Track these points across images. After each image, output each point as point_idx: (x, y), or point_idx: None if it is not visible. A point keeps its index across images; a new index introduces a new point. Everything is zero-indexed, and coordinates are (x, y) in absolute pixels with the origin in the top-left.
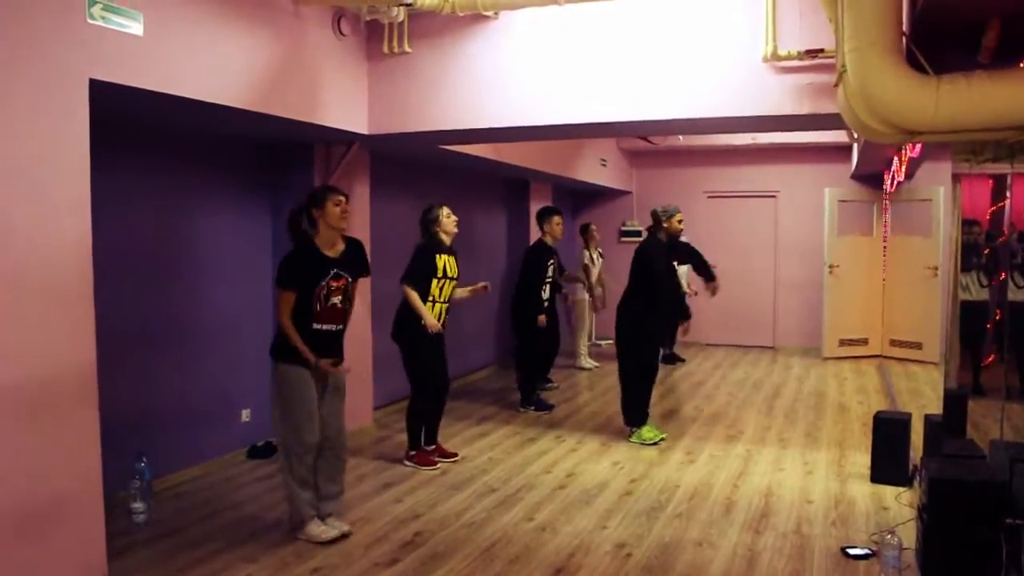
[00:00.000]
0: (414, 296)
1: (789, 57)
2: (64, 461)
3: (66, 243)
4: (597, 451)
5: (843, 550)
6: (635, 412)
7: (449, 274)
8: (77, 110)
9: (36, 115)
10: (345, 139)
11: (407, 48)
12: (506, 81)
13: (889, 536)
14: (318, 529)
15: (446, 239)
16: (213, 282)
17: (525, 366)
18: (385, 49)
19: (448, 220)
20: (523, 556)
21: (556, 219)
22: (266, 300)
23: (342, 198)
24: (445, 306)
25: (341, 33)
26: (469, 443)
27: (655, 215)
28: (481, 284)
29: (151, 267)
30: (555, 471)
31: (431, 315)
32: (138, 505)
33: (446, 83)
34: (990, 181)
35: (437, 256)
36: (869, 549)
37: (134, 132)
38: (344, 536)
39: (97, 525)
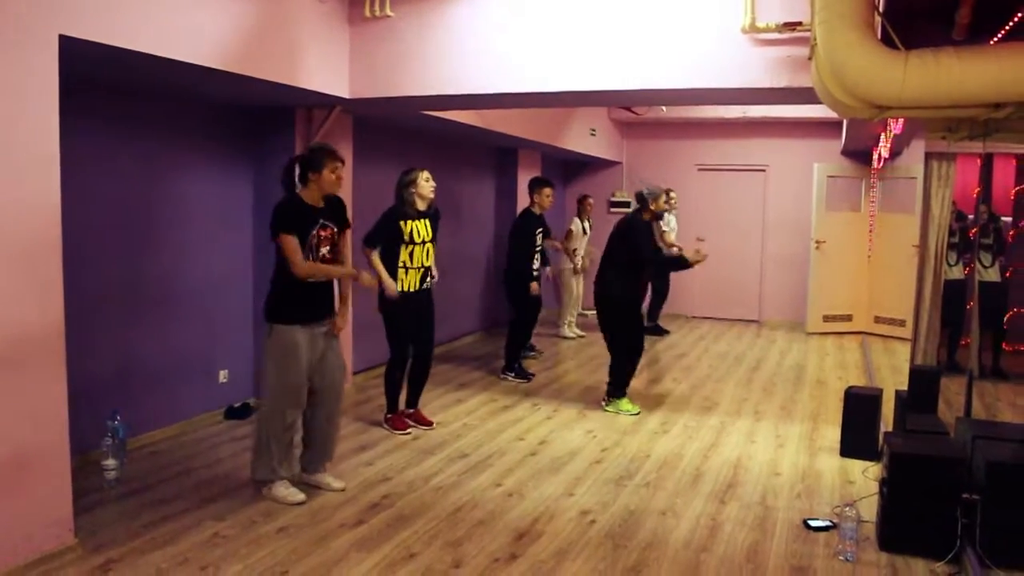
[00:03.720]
0: (374, 257)
1: (767, 29)
2: (31, 418)
3: (34, 202)
4: (572, 419)
5: (805, 522)
6: (617, 384)
7: (416, 239)
8: (46, 67)
9: (2, 72)
10: (326, 103)
11: (388, 12)
12: (486, 47)
13: (848, 509)
14: (286, 491)
15: (420, 204)
16: (193, 243)
17: (513, 334)
18: (367, 13)
19: (426, 184)
20: (487, 520)
21: (547, 191)
22: (246, 262)
23: (339, 164)
24: (420, 272)
25: None
26: (446, 409)
27: (640, 197)
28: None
29: (131, 228)
30: (528, 438)
31: (389, 279)
32: (110, 462)
33: (427, 48)
34: (979, 161)
35: (404, 222)
36: (830, 521)
37: (113, 92)
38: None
39: (64, 481)
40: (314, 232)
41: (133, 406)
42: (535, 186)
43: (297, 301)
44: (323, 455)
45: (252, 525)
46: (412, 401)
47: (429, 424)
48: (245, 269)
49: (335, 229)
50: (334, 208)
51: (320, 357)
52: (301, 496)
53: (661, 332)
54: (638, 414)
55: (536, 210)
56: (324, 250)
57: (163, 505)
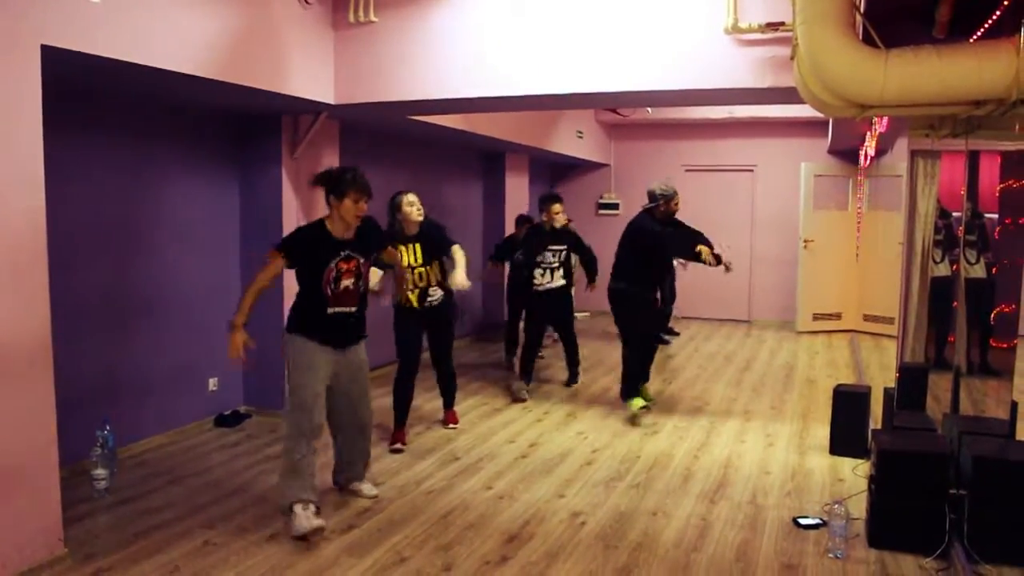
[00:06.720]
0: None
1: (750, 30)
2: (19, 429)
3: (19, 214)
4: (562, 421)
5: (794, 520)
6: (626, 385)
7: (403, 262)
8: (28, 77)
9: None
10: (312, 109)
11: (373, 17)
12: (471, 51)
13: (837, 506)
14: (301, 518)
15: (408, 228)
16: (180, 252)
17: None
18: (351, 18)
19: (409, 208)
20: (478, 523)
21: (556, 207)
22: (234, 268)
23: (364, 197)
24: (417, 292)
25: (306, 2)
26: (438, 412)
27: (652, 195)
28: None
29: (118, 237)
30: (519, 441)
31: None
32: (100, 472)
33: (412, 53)
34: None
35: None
36: (820, 519)
37: (97, 101)
38: (319, 530)
39: (53, 492)
40: (332, 265)
41: (123, 415)
42: (542, 203)
43: (313, 318)
44: (352, 474)
45: (242, 532)
46: (447, 403)
47: (455, 423)
48: (233, 276)
49: (360, 260)
50: (364, 235)
51: (344, 388)
52: (317, 523)
53: (672, 333)
54: (645, 408)
55: (547, 226)
56: (347, 283)
57: (153, 514)
